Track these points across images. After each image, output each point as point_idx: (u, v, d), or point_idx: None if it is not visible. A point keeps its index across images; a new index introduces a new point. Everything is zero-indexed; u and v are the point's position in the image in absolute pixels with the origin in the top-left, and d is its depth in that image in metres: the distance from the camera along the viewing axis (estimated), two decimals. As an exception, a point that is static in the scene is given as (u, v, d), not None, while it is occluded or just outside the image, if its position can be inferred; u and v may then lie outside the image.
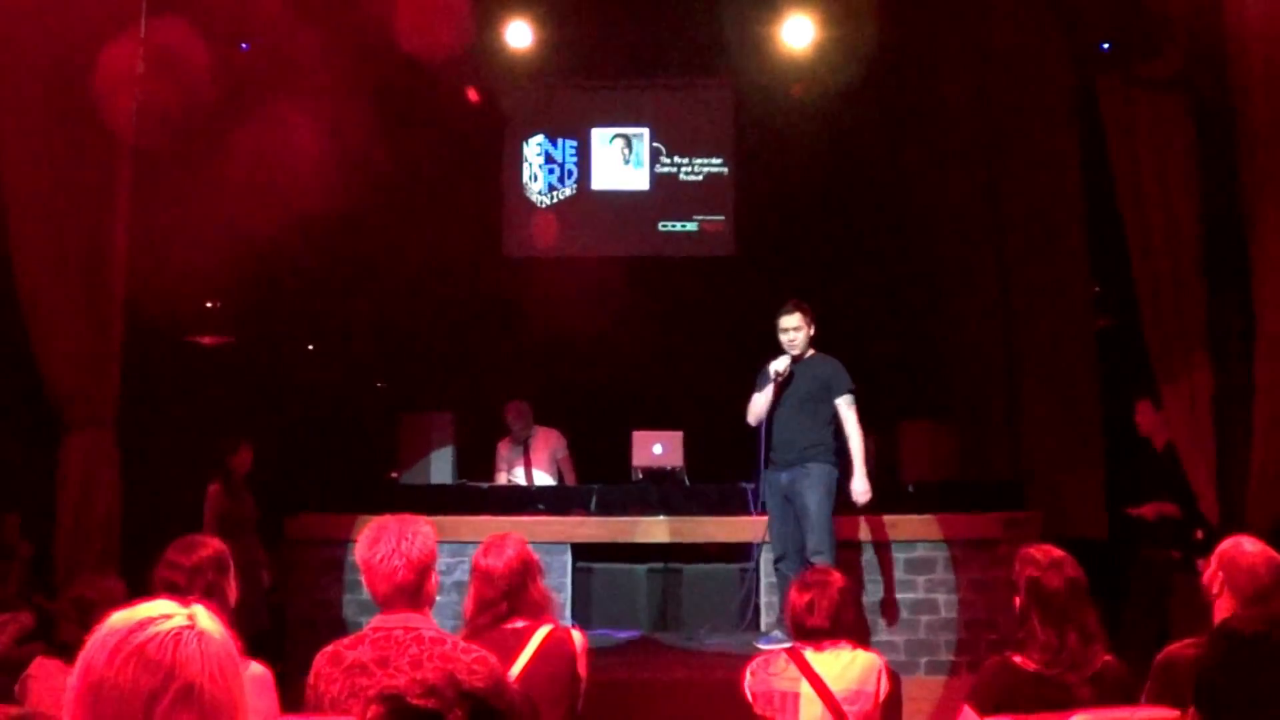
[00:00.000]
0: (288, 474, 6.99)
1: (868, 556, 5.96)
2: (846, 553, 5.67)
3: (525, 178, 9.24)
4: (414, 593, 2.57)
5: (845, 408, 5.43)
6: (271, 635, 5.72)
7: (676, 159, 9.21)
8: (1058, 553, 3.02)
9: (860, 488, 5.38)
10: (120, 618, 1.36)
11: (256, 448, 6.29)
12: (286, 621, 5.93)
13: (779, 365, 5.49)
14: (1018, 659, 2.93)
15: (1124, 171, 6.18)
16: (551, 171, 9.23)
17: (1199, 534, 5.73)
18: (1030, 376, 7.25)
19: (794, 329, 5.49)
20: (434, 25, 6.96)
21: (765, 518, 5.62)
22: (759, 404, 5.55)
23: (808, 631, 3.17)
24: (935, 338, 8.41)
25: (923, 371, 8.46)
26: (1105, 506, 6.40)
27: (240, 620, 2.86)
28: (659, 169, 9.21)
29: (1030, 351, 7.26)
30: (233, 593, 3.04)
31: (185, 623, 1.36)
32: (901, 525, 6.01)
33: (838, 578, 3.28)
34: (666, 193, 9.20)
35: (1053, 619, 2.89)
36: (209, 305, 7.75)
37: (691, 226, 9.19)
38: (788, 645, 3.29)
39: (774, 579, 5.71)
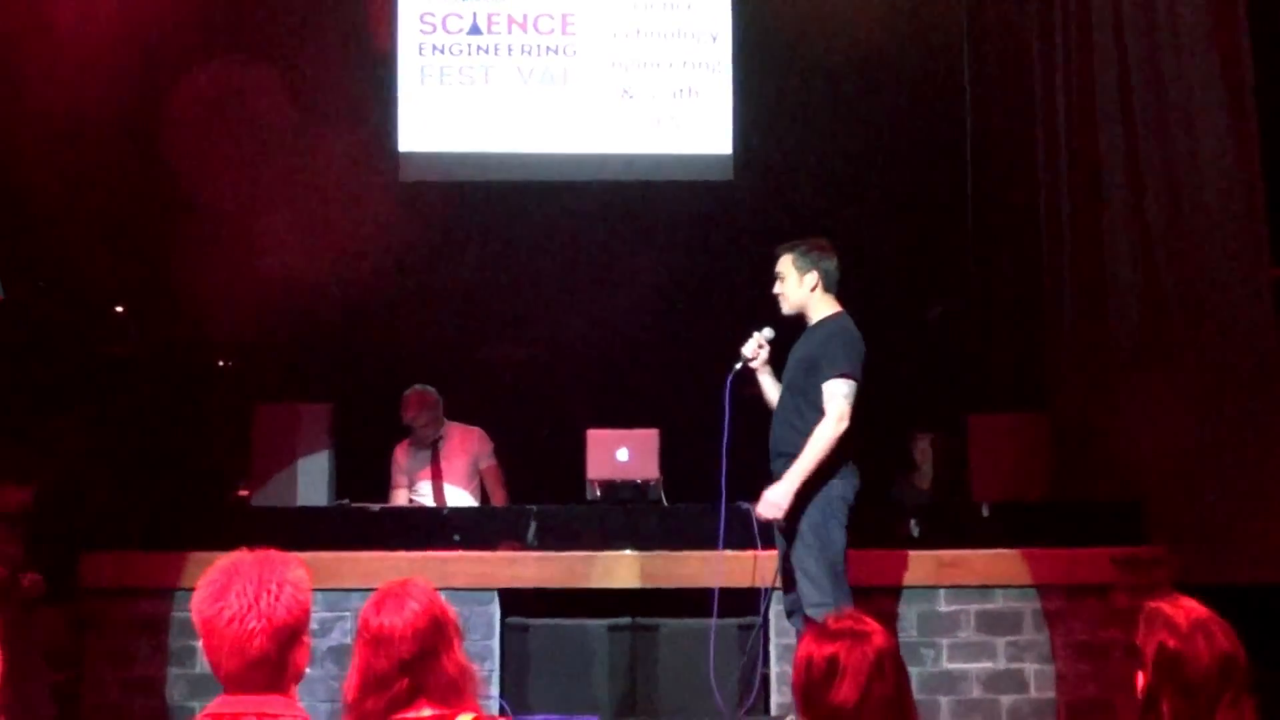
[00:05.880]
0: (84, 492, 6.88)
1: (920, 609, 5.96)
2: (883, 601, 5.72)
3: (424, 51, 9.08)
4: (275, 667, 2.55)
5: (829, 395, 5.35)
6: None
7: (653, 45, 9.11)
8: (1202, 612, 2.96)
9: (771, 497, 5.28)
10: None
11: (34, 454, 6.19)
12: (81, 710, 5.88)
13: (747, 350, 5.62)
14: None
15: None
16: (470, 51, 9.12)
17: None
18: (1169, 345, 7.15)
19: (779, 278, 5.55)
20: None
21: (775, 551, 5.68)
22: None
23: (827, 712, 2.96)
24: (1015, 295, 8.40)
25: (1000, 343, 8.47)
26: None
27: (13, 711, 2.82)
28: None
29: (1173, 306, 7.16)
30: (-1, 669, 3.01)
31: None
32: (971, 563, 6.05)
33: (877, 629, 3.07)
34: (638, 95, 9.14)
35: (1193, 709, 2.84)
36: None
37: (675, 143, 9.08)
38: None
39: (791, 640, 5.69)
